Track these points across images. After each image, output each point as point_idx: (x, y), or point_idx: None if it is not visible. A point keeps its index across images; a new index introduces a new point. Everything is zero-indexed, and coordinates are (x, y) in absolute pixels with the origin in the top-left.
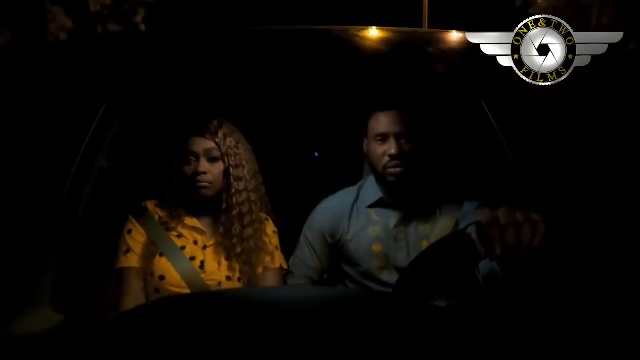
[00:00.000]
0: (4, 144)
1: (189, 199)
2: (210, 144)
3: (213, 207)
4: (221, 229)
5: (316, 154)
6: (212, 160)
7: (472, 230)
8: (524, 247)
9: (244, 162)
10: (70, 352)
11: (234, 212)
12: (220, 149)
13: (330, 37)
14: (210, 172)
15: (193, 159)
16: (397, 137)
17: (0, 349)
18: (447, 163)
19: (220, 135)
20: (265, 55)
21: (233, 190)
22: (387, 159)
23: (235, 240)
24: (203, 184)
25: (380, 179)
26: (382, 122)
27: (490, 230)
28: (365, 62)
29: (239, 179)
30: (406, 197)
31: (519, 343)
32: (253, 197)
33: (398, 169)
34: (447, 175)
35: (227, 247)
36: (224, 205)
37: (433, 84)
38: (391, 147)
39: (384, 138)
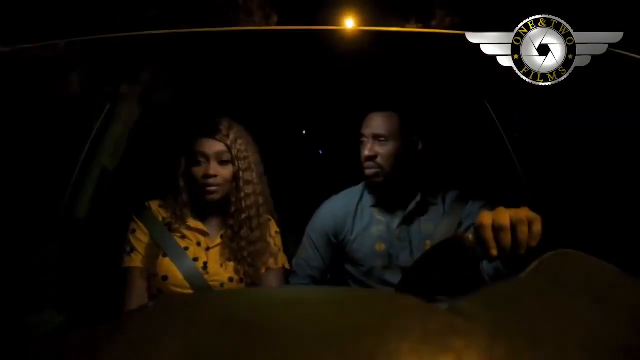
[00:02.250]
0: (7, 145)
1: (194, 200)
2: (221, 147)
3: (218, 209)
4: (229, 232)
5: (320, 152)
6: (223, 163)
7: (470, 232)
8: (521, 247)
9: (252, 165)
10: (73, 352)
11: (243, 216)
12: (230, 152)
13: (330, 38)
14: (221, 174)
15: (203, 160)
16: (374, 138)
17: (2, 349)
18: (448, 162)
19: (231, 137)
20: (268, 56)
21: (242, 194)
22: (363, 160)
23: (243, 243)
24: (212, 187)
25: (364, 179)
26: (365, 124)
27: (485, 231)
28: (363, 63)
29: (247, 182)
30: (392, 198)
31: (519, 343)
32: (260, 200)
33: (372, 170)
34: (450, 174)
35: (234, 249)
36: (233, 209)
37: (430, 84)
38: (365, 149)
39: (364, 140)
